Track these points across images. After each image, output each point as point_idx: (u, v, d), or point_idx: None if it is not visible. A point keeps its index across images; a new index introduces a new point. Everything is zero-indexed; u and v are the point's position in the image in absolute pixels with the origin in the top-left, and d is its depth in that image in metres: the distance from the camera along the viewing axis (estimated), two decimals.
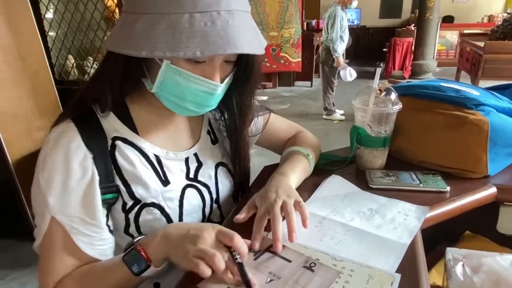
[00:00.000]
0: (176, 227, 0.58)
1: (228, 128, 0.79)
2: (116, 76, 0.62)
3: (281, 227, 0.61)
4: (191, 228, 0.56)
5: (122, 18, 0.59)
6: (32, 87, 2.26)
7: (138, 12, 0.56)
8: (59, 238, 0.61)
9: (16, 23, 2.15)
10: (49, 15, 2.67)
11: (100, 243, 0.64)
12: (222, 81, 0.63)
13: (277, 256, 0.58)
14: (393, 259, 0.58)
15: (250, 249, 0.60)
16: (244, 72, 0.69)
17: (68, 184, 0.60)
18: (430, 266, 0.84)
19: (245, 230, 0.63)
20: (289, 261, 0.57)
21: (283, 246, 0.60)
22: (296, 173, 0.77)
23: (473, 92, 0.84)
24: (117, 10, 2.56)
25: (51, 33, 2.70)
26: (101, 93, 0.63)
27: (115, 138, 0.66)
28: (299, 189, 0.79)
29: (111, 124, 0.66)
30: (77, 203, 0.61)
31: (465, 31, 6.92)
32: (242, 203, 0.72)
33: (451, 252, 0.65)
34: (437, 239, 0.87)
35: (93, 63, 2.76)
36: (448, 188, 0.77)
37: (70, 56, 2.77)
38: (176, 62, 0.59)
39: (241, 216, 0.67)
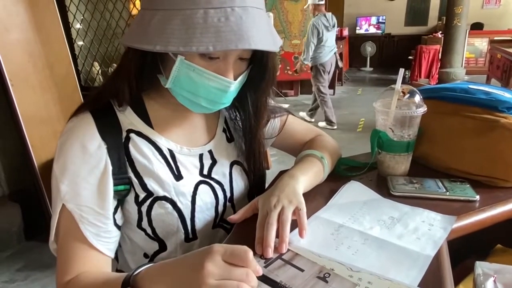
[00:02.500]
0: (172, 267, 0.50)
1: (244, 127, 0.79)
2: (133, 71, 0.63)
3: (274, 234, 0.58)
4: (189, 264, 0.48)
5: (140, 14, 0.60)
6: (59, 93, 2.33)
7: (155, 8, 0.57)
8: (69, 227, 0.61)
9: (46, 32, 2.23)
10: (77, 25, 2.77)
11: (106, 235, 0.64)
12: (235, 79, 0.63)
13: (289, 264, 0.55)
14: (415, 272, 0.53)
15: (261, 256, 0.57)
16: (259, 70, 0.69)
17: (80, 172, 0.61)
18: (457, 281, 0.78)
19: (249, 234, 0.61)
20: (302, 270, 0.54)
21: (296, 254, 0.57)
22: (306, 176, 0.74)
23: (505, 95, 0.78)
24: None
25: (79, 42, 2.79)
26: (119, 88, 0.65)
27: (129, 131, 0.67)
28: (315, 194, 0.76)
29: (127, 118, 0.68)
30: (89, 192, 0.62)
31: (495, 38, 6.68)
32: None
33: (481, 267, 0.59)
34: (465, 252, 0.81)
35: None
36: (478, 197, 0.72)
37: (96, 63, 2.86)
38: (190, 58, 0.59)
39: (236, 217, 0.67)
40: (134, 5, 2.71)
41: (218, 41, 0.53)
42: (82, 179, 0.61)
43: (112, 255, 0.66)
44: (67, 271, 0.60)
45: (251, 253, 0.46)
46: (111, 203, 0.64)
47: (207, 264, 0.44)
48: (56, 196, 0.62)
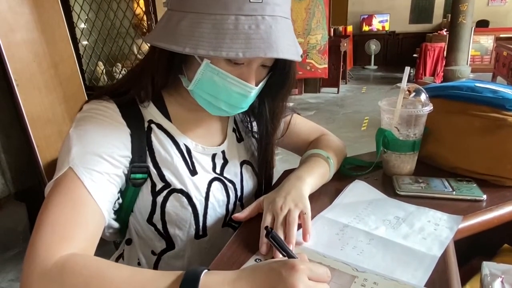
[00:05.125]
0: (248, 283, 0.45)
1: (260, 132, 0.80)
2: (159, 70, 0.64)
3: (283, 237, 0.58)
4: (274, 282, 0.44)
5: (167, 15, 0.61)
6: (64, 93, 2.34)
7: (184, 10, 0.58)
8: (66, 186, 0.54)
9: (51, 32, 2.24)
10: (81, 24, 2.77)
11: (106, 186, 0.58)
12: (257, 85, 0.64)
13: None
14: (421, 272, 0.53)
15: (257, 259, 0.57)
16: (280, 77, 0.70)
17: (100, 140, 0.59)
18: (463, 281, 0.77)
19: (254, 234, 0.61)
20: None
21: (297, 254, 0.57)
22: (313, 177, 0.73)
23: None
24: (145, 18, 2.62)
25: (83, 42, 2.79)
26: (142, 85, 0.66)
27: (150, 122, 0.68)
28: (319, 193, 0.76)
29: (148, 111, 0.69)
30: (101, 160, 0.58)
31: (501, 35, 6.62)
32: None
33: (488, 267, 0.59)
34: (472, 252, 0.80)
35: (121, 70, 2.83)
36: (485, 197, 0.71)
37: (100, 63, 2.86)
38: (216, 62, 0.60)
39: (242, 215, 0.67)
40: (138, 5, 2.71)
41: (247, 48, 0.54)
42: (100, 146, 0.59)
43: (106, 216, 0.58)
44: (53, 243, 0.50)
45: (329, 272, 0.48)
46: (123, 175, 0.62)
47: (298, 284, 0.43)
48: (63, 162, 0.56)
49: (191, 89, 0.64)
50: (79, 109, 0.66)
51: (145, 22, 2.62)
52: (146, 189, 0.67)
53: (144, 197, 0.67)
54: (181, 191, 0.68)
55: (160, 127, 0.69)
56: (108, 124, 0.62)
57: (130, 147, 0.63)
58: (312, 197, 0.70)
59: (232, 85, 0.62)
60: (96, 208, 0.56)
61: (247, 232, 0.65)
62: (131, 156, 0.63)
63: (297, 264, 0.44)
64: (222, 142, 0.77)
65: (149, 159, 0.66)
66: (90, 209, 0.55)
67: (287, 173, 0.82)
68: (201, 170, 0.71)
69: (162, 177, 0.67)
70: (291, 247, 0.57)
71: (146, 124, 0.67)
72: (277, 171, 0.87)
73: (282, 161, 2.84)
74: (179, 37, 0.56)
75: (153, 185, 0.67)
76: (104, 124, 0.61)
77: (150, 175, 0.67)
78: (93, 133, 0.60)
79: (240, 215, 0.67)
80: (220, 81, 0.61)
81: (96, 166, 0.57)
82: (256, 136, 0.82)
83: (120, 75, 2.83)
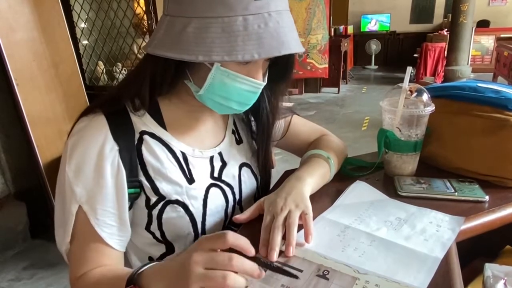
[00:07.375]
0: (168, 261, 0.52)
1: (260, 125, 0.79)
2: (165, 79, 0.62)
3: (280, 238, 0.58)
4: (180, 257, 0.49)
5: (165, 21, 0.59)
6: (64, 93, 2.33)
7: (187, 15, 0.55)
8: (84, 225, 0.61)
9: (51, 31, 2.24)
10: (82, 24, 2.77)
11: (120, 233, 0.64)
12: (263, 79, 0.64)
13: (286, 266, 0.54)
14: (424, 274, 0.52)
15: (260, 259, 0.56)
16: (281, 69, 0.69)
17: (95, 176, 0.61)
18: (465, 283, 0.77)
19: (254, 236, 0.60)
20: (300, 270, 0.53)
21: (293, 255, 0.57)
22: (313, 178, 0.73)
23: None
24: (145, 17, 2.62)
25: (83, 41, 2.79)
26: (138, 93, 0.64)
27: (143, 133, 0.66)
28: (320, 194, 0.75)
29: (141, 119, 0.67)
30: (104, 194, 0.61)
31: (502, 35, 6.62)
32: None
33: (491, 269, 0.58)
34: (474, 253, 0.80)
35: (121, 69, 2.83)
36: (487, 198, 0.70)
37: (100, 63, 2.86)
38: (226, 64, 0.59)
39: (243, 217, 0.66)
40: (138, 4, 2.71)
41: (261, 48, 0.54)
42: (97, 181, 0.60)
43: (124, 250, 0.67)
44: (80, 267, 0.61)
45: (229, 233, 0.47)
46: (127, 203, 0.63)
47: (194, 253, 0.47)
48: (69, 197, 0.61)
49: (201, 93, 0.62)
50: (75, 120, 0.65)
51: (146, 21, 2.62)
52: (140, 202, 0.66)
53: (140, 210, 0.67)
54: (177, 202, 0.67)
55: (153, 136, 0.66)
56: (96, 149, 0.61)
57: (121, 163, 0.62)
58: (313, 198, 0.69)
59: (242, 84, 0.61)
60: (116, 252, 0.64)
61: (247, 234, 0.64)
62: (124, 170, 0.63)
63: (201, 237, 0.49)
64: (220, 143, 0.76)
65: (141, 173, 0.65)
66: (113, 256, 0.64)
67: (287, 174, 0.81)
68: (199, 177, 0.70)
69: (156, 190, 0.65)
70: (292, 249, 0.57)
71: (137, 136, 0.65)
72: (277, 171, 0.87)
73: (282, 161, 2.83)
74: (188, 45, 0.54)
75: (147, 199, 0.66)
76: (93, 151, 0.61)
77: (143, 189, 0.65)
78: (86, 167, 0.61)
79: (241, 216, 0.67)
80: (231, 82, 0.60)
81: (105, 216, 0.62)
82: (255, 137, 0.81)
83: (120, 75, 2.83)
